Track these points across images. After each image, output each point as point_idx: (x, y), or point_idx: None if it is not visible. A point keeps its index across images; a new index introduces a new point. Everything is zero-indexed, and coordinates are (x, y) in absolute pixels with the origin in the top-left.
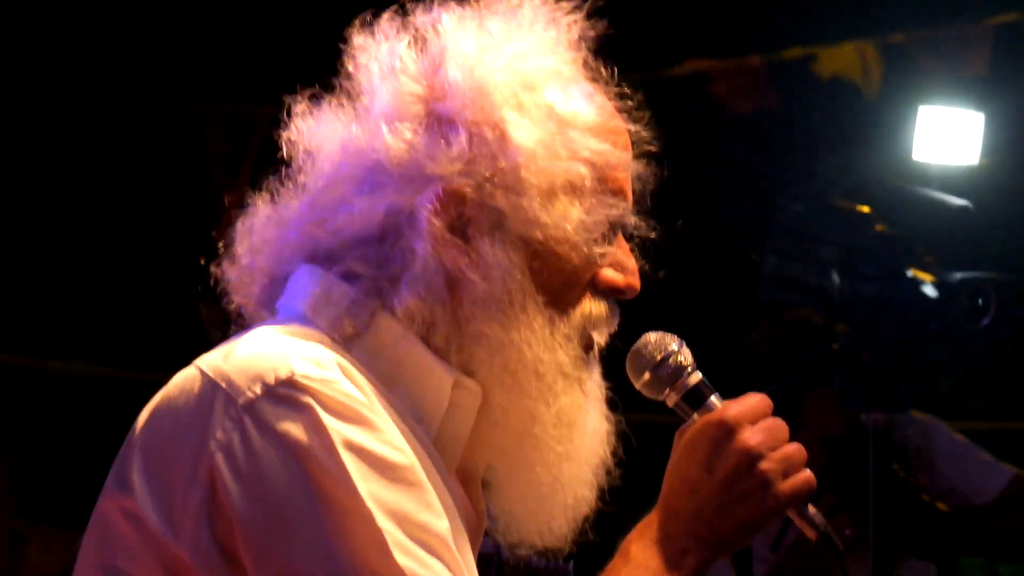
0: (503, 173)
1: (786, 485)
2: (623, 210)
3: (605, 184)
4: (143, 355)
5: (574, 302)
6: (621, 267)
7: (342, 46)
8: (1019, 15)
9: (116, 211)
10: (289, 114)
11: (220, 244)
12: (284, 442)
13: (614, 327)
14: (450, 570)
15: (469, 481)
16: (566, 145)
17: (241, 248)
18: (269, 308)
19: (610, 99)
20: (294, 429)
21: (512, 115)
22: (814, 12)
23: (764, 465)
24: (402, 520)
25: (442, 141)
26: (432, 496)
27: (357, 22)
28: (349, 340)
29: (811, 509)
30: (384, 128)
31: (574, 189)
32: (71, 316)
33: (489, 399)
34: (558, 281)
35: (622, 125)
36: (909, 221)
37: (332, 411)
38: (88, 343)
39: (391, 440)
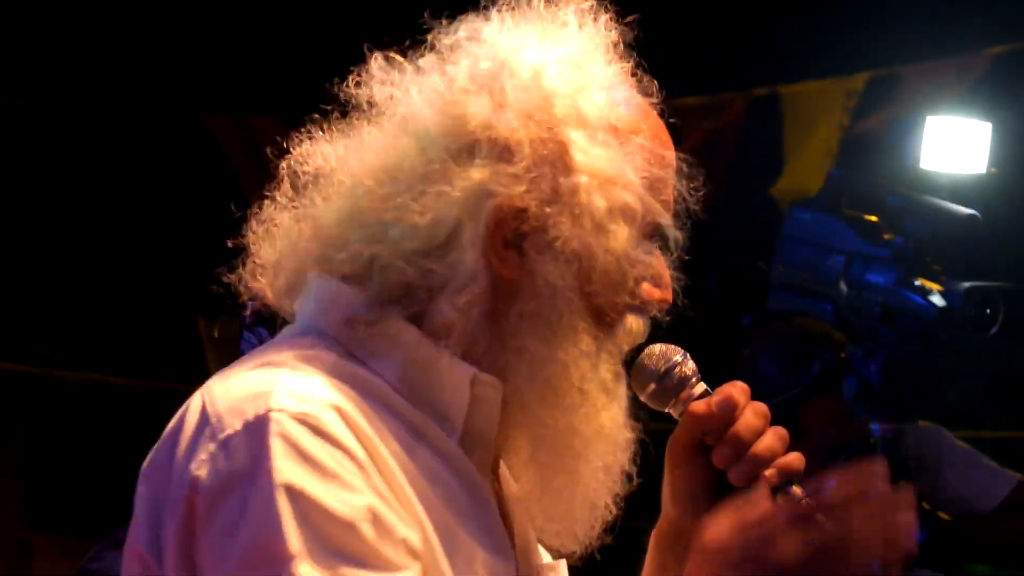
0: (564, 192)
1: None
2: (667, 224)
3: (655, 202)
4: (153, 365)
5: (619, 319)
6: (658, 280)
7: (372, 61)
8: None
9: (127, 222)
10: (309, 130)
11: (235, 255)
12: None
13: (644, 338)
14: None
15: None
16: (626, 165)
17: (261, 259)
18: (290, 300)
19: (655, 107)
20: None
21: (575, 133)
22: (827, 45)
23: None
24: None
25: (502, 158)
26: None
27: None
28: (363, 350)
29: None
30: (439, 142)
31: (630, 210)
32: (80, 326)
33: (526, 408)
34: (606, 299)
35: (668, 136)
36: (916, 230)
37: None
38: (98, 353)
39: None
